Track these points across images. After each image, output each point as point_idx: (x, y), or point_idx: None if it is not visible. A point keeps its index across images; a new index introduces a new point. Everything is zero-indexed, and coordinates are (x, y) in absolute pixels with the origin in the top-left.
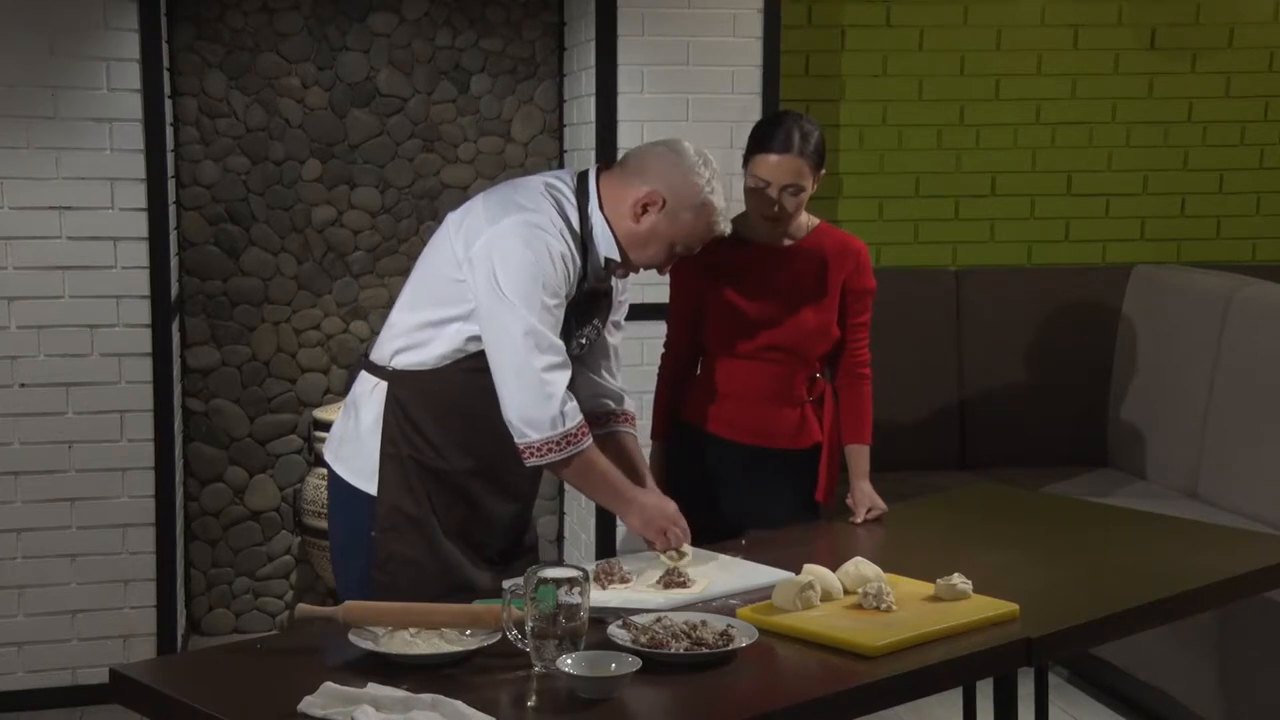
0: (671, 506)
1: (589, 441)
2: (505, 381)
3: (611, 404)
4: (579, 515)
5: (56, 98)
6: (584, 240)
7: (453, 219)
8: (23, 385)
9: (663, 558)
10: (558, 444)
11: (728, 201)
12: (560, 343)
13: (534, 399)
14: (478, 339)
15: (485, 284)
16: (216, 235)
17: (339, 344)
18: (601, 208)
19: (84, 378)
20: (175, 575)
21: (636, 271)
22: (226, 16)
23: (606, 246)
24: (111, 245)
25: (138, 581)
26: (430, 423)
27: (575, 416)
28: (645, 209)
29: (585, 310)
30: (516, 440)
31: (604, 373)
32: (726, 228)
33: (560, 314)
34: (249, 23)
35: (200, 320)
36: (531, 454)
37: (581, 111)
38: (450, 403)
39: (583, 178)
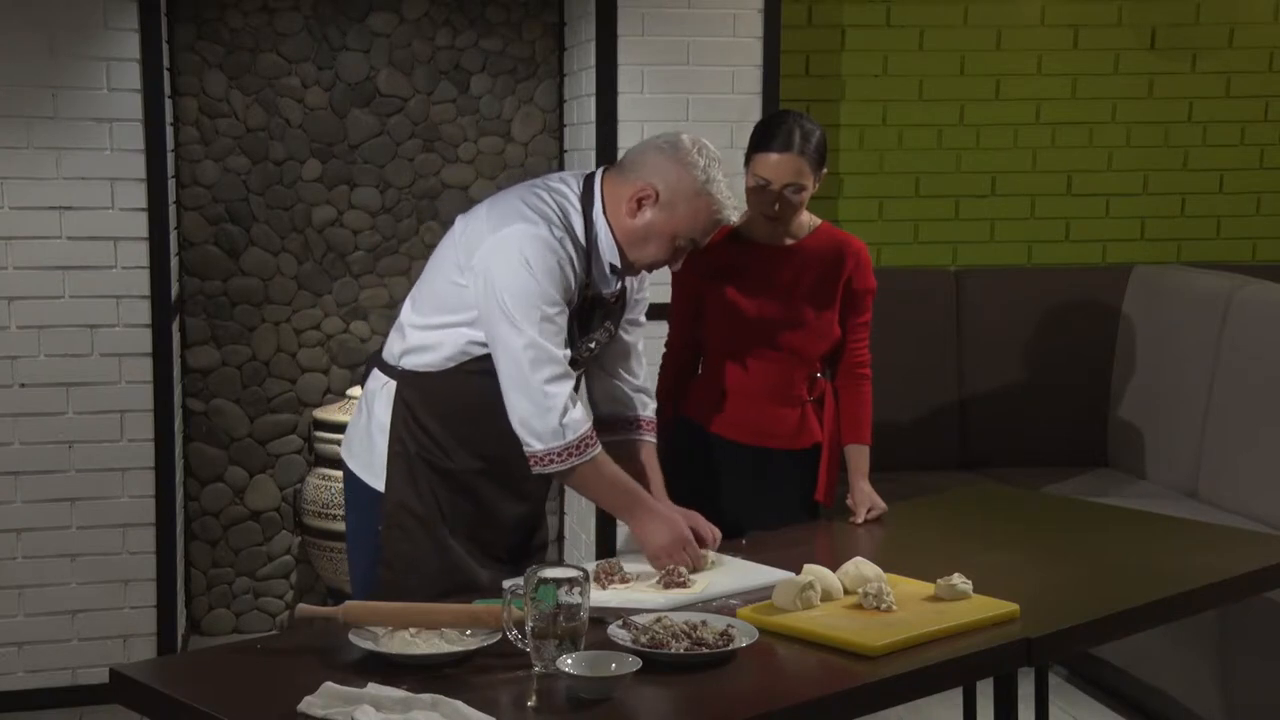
0: (680, 527)
1: (593, 452)
2: (508, 393)
3: (628, 410)
4: (579, 515)
5: (56, 98)
6: (588, 246)
7: (460, 222)
8: (23, 385)
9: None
10: (559, 455)
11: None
12: (561, 353)
13: (535, 411)
14: (482, 343)
15: (485, 295)
16: (216, 235)
17: (339, 344)
18: (605, 211)
19: (84, 378)
20: (175, 575)
21: (635, 273)
22: (226, 16)
23: (610, 252)
24: (111, 245)
25: (138, 581)
26: (437, 423)
27: (579, 428)
28: (640, 204)
29: (591, 316)
30: (524, 449)
31: (622, 372)
32: (733, 216)
33: (563, 320)
34: (249, 23)
35: (200, 320)
36: (536, 462)
37: (581, 111)
38: (457, 404)
39: (589, 181)
